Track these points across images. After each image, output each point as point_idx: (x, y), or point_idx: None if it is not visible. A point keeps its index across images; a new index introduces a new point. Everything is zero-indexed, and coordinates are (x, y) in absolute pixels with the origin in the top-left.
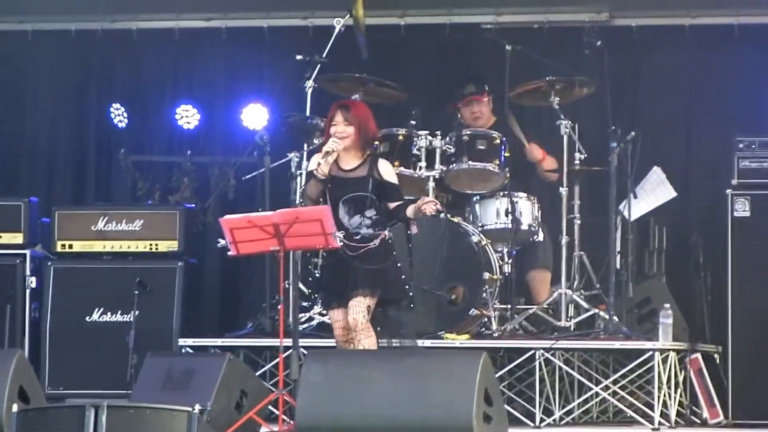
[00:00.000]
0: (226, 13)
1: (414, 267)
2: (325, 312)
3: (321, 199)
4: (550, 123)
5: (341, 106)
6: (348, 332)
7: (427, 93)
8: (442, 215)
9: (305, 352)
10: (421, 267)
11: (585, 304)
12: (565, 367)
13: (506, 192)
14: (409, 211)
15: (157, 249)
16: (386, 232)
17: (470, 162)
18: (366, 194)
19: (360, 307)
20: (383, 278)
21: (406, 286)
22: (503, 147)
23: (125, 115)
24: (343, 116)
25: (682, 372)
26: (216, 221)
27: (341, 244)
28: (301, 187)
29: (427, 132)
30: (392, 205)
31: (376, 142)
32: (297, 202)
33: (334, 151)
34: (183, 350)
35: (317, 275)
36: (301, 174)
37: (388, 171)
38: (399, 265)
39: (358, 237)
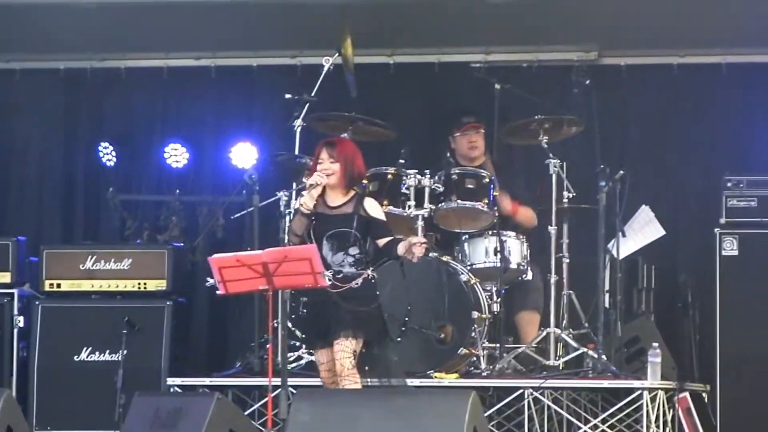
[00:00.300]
0: (215, 51)
1: (404, 306)
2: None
3: (306, 236)
4: (539, 162)
5: (327, 143)
6: (334, 374)
7: (416, 131)
8: (432, 254)
9: (294, 391)
10: (410, 306)
11: (574, 343)
12: (553, 406)
13: (495, 231)
14: (399, 248)
15: (145, 288)
16: (369, 272)
17: (459, 201)
18: (350, 230)
19: (346, 352)
20: (366, 320)
21: (388, 325)
22: (492, 186)
23: (114, 153)
24: (328, 153)
25: (671, 411)
26: (205, 260)
27: (329, 282)
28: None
29: (416, 171)
30: (382, 242)
31: (365, 181)
32: (286, 240)
33: (318, 184)
34: (171, 390)
35: (303, 312)
36: (289, 213)
37: (374, 208)
38: (379, 304)
39: (340, 276)
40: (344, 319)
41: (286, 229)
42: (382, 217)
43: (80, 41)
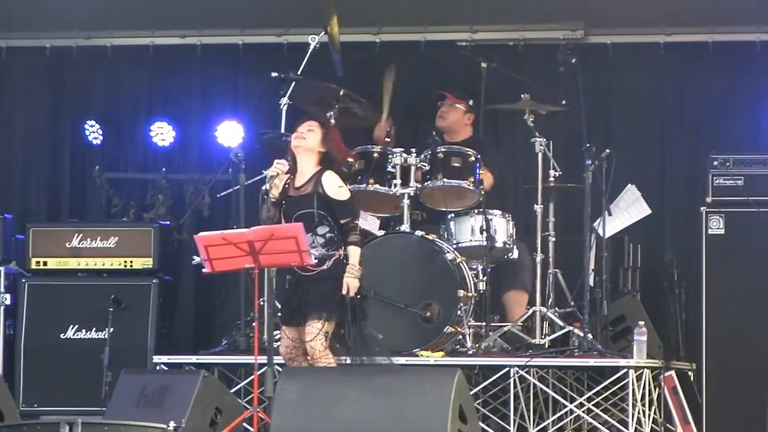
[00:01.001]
0: (201, 29)
1: (390, 284)
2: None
3: (277, 221)
4: (525, 140)
5: (310, 116)
6: (293, 350)
7: (402, 110)
8: (418, 232)
9: (280, 369)
10: (396, 284)
11: (560, 322)
12: (539, 385)
13: (481, 209)
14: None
15: (131, 266)
16: (340, 252)
17: (445, 179)
18: (312, 211)
19: (317, 334)
20: (338, 302)
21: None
22: (478, 165)
23: (100, 132)
24: (308, 123)
25: (657, 389)
26: (191, 238)
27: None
28: None
29: (402, 149)
30: (342, 221)
31: (350, 159)
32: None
33: (278, 174)
34: (158, 367)
35: (285, 289)
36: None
37: (331, 186)
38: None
39: (313, 257)
40: (314, 302)
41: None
42: (340, 196)
43: (66, 19)
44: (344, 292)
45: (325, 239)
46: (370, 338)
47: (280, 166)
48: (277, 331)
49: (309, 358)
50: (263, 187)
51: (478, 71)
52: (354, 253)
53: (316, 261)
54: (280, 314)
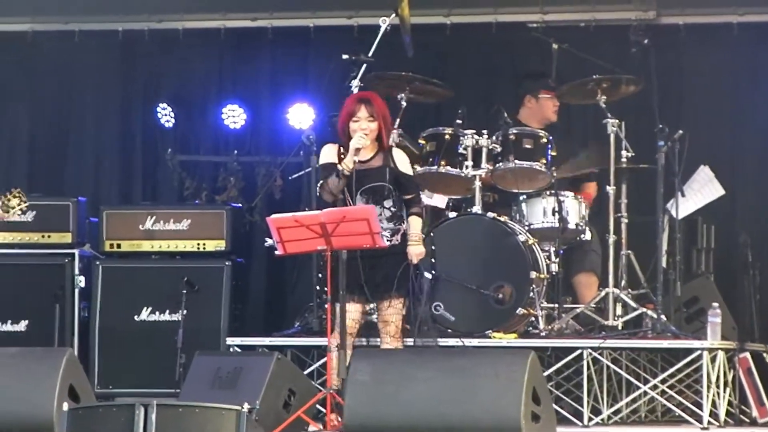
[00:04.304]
0: (272, 12)
1: (462, 266)
2: (372, 310)
3: (340, 193)
4: (597, 121)
5: (363, 100)
6: (353, 327)
7: (473, 92)
8: (489, 214)
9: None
10: (468, 266)
11: (633, 303)
12: (613, 366)
13: (553, 191)
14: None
15: (204, 248)
16: (404, 226)
17: (517, 161)
18: (383, 184)
19: (398, 312)
20: (407, 276)
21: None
22: (550, 146)
23: (172, 115)
24: (368, 111)
25: (731, 371)
26: (263, 221)
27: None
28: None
29: (474, 131)
30: (407, 197)
31: (422, 141)
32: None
33: (363, 147)
34: (231, 349)
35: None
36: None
37: (402, 161)
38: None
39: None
40: (392, 278)
41: (320, 184)
42: (409, 171)
43: (138, 3)
44: (411, 260)
45: (391, 212)
46: (441, 320)
47: (363, 139)
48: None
49: (385, 335)
50: (323, 162)
51: (549, 53)
52: (416, 222)
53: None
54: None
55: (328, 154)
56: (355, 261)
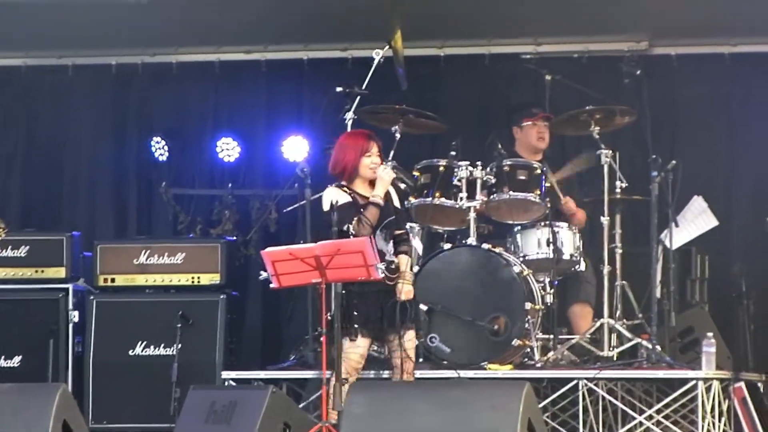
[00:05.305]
0: (266, 45)
1: (457, 298)
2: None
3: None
4: (591, 152)
5: (373, 138)
6: (363, 360)
7: (467, 123)
8: (484, 245)
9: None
10: (463, 298)
11: (628, 334)
12: (608, 397)
13: (547, 222)
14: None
15: (199, 282)
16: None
17: (511, 192)
18: (392, 219)
19: (414, 345)
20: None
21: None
22: (544, 177)
23: (166, 148)
24: (378, 148)
25: (726, 401)
26: (257, 254)
27: (383, 275)
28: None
29: (468, 162)
30: (398, 232)
31: (416, 173)
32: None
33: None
34: (226, 383)
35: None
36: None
37: (397, 198)
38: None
39: (393, 266)
40: (406, 311)
41: (357, 219)
42: (401, 207)
43: (132, 37)
44: (401, 298)
45: (393, 247)
46: (437, 351)
47: (389, 171)
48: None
49: (404, 370)
50: (340, 204)
51: (542, 84)
52: (407, 261)
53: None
54: (356, 325)
55: (338, 195)
56: (372, 295)
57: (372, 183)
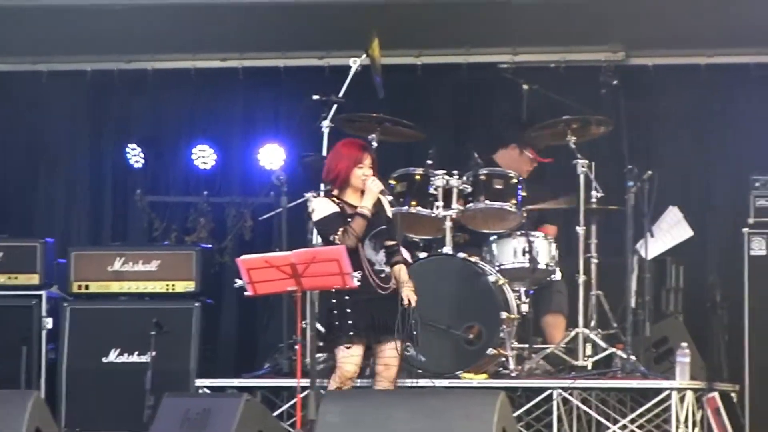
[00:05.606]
0: (243, 53)
1: (433, 307)
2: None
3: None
4: (567, 162)
5: (367, 149)
6: (358, 369)
7: (443, 132)
8: (460, 254)
9: (323, 392)
10: (438, 306)
11: (602, 344)
12: (582, 407)
13: (523, 231)
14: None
15: (173, 289)
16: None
17: (487, 201)
18: (383, 228)
19: (397, 357)
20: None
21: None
22: (520, 186)
23: (141, 155)
24: (371, 158)
25: (700, 411)
26: (233, 261)
27: (374, 282)
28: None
29: (444, 171)
30: (390, 242)
31: (392, 182)
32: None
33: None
34: (200, 391)
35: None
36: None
37: (389, 208)
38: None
39: (383, 275)
40: (393, 321)
41: (343, 230)
42: (392, 217)
43: (107, 43)
44: (413, 304)
45: (385, 257)
46: (412, 360)
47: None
48: (320, 354)
49: (383, 379)
50: (328, 214)
51: (519, 93)
52: (405, 270)
53: (386, 277)
54: (351, 333)
55: (327, 205)
56: (363, 303)
57: (363, 193)
